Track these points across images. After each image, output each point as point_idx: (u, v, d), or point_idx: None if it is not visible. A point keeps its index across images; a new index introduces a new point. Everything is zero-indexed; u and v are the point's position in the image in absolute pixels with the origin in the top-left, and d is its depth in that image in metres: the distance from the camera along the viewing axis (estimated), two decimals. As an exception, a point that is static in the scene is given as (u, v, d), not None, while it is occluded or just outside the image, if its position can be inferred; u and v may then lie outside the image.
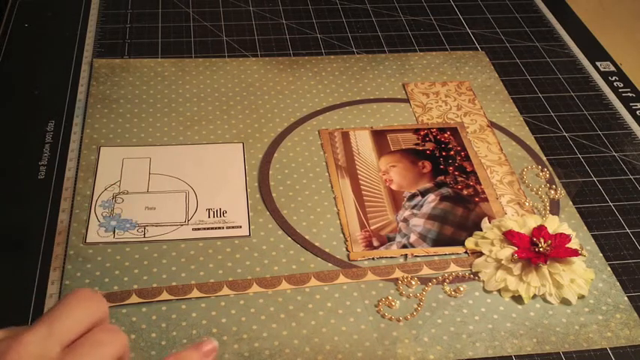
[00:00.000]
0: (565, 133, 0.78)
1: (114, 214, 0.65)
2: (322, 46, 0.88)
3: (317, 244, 0.64)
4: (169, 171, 0.69)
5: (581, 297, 0.61)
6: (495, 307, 0.60)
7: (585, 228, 0.67)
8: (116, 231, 0.63)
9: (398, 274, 0.62)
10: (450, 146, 0.75)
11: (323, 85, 0.82)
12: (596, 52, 0.91)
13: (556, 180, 0.72)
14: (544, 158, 0.74)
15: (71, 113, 0.76)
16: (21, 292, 0.58)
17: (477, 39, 0.92)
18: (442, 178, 0.71)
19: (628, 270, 0.64)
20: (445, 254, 0.64)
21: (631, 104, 0.83)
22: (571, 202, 0.69)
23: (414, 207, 0.68)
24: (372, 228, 0.65)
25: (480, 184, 0.70)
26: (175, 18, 0.92)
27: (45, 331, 0.35)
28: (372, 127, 0.76)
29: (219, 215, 0.65)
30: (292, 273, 0.61)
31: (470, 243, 0.64)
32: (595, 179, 0.72)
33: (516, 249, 0.62)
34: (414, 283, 0.61)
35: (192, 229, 0.64)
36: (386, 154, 0.73)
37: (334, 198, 0.68)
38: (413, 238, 0.65)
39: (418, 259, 0.63)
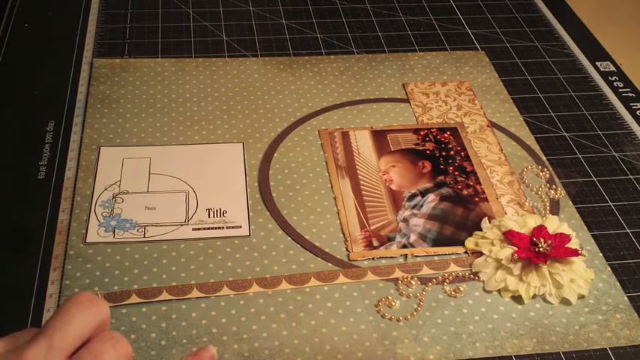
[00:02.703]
0: (565, 133, 0.78)
1: (114, 214, 0.65)
2: (322, 46, 0.88)
3: (317, 244, 0.64)
4: (169, 171, 0.70)
5: (581, 297, 0.61)
6: (495, 307, 0.60)
7: (585, 228, 0.67)
8: (116, 231, 0.63)
9: (398, 274, 0.62)
10: (450, 146, 0.75)
11: (323, 85, 0.82)
12: (596, 52, 0.91)
13: (556, 180, 0.72)
14: (544, 158, 0.74)
15: (71, 113, 0.76)
16: (21, 292, 0.58)
17: (477, 39, 0.92)
18: (442, 178, 0.71)
19: (628, 270, 0.64)
20: (445, 254, 0.64)
21: (631, 104, 0.83)
22: (571, 202, 0.69)
23: (414, 207, 0.68)
24: (372, 228, 0.65)
25: (480, 184, 0.70)
26: (175, 18, 0.92)
27: (46, 345, 0.35)
28: (372, 127, 0.76)
29: (219, 215, 0.65)
30: (292, 273, 0.61)
31: (470, 243, 0.64)
32: (595, 179, 0.72)
33: (516, 249, 0.62)
34: (414, 283, 0.61)
35: (192, 229, 0.64)
36: (386, 154, 0.73)
37: (334, 198, 0.68)
38: (413, 238, 0.65)
39: (418, 259, 0.63)
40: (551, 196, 0.70)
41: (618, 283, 0.62)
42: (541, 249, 0.61)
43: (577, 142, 0.77)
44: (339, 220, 0.66)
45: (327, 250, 0.63)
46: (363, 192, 0.69)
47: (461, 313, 0.59)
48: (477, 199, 0.69)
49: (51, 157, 0.71)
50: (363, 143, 0.74)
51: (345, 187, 0.69)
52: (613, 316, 0.59)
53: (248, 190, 0.68)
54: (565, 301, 0.60)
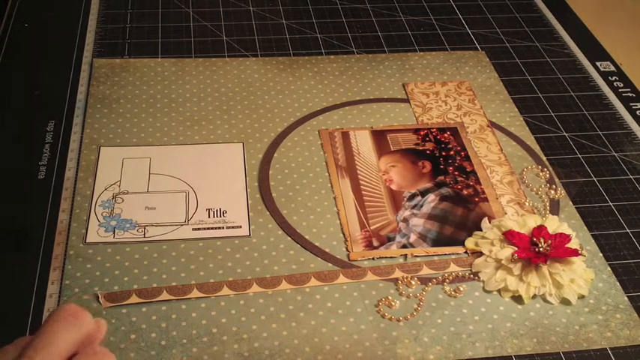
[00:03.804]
0: (565, 133, 0.78)
1: (114, 214, 0.65)
2: (322, 46, 0.88)
3: (317, 244, 0.64)
4: (169, 171, 0.70)
5: (581, 297, 0.61)
6: (495, 307, 0.60)
7: (585, 228, 0.67)
8: (116, 231, 0.63)
9: (398, 274, 0.62)
10: (450, 146, 0.75)
11: (323, 85, 0.82)
12: (596, 52, 0.91)
13: (556, 180, 0.72)
14: (544, 158, 0.74)
15: (71, 113, 0.76)
16: (21, 292, 0.58)
17: (477, 39, 0.92)
18: (442, 178, 0.71)
19: (628, 270, 0.64)
20: (445, 254, 0.64)
21: (631, 104, 0.83)
22: (571, 202, 0.69)
23: (414, 207, 0.68)
24: (372, 228, 0.65)
25: (480, 184, 0.70)
26: (175, 18, 0.92)
27: None
28: (372, 127, 0.76)
29: (219, 215, 0.65)
30: (292, 273, 0.61)
31: (470, 243, 0.64)
32: (595, 179, 0.72)
33: (516, 249, 0.62)
34: (414, 283, 0.61)
35: (192, 229, 0.64)
36: (386, 154, 0.73)
37: (334, 198, 0.68)
38: (413, 238, 0.65)
39: (418, 259, 0.63)
40: (551, 196, 0.70)
41: (618, 283, 0.62)
42: (541, 249, 0.61)
43: (577, 142, 0.77)
44: (339, 220, 0.66)
45: (327, 250, 0.63)
46: (363, 192, 0.69)
47: (461, 313, 0.59)
48: (477, 199, 0.69)
49: (51, 157, 0.71)
50: (363, 143, 0.74)
51: (345, 187, 0.69)
52: (613, 316, 0.59)
53: (248, 190, 0.68)
54: (565, 301, 0.60)
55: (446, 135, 0.76)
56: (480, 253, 0.63)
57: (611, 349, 0.57)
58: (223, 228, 0.64)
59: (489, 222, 0.66)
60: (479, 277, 0.62)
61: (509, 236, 0.63)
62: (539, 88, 0.84)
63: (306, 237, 0.64)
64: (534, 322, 0.59)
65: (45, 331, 0.36)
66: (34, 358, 0.35)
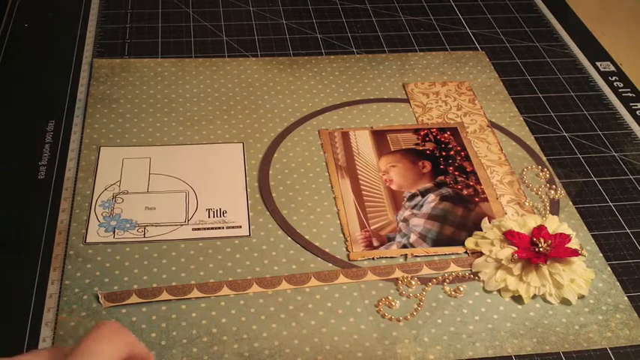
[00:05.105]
0: (565, 133, 0.78)
1: (114, 214, 0.65)
2: (322, 46, 0.88)
3: (317, 244, 0.64)
4: (169, 171, 0.70)
5: (581, 297, 0.61)
6: (495, 307, 0.60)
7: (585, 228, 0.67)
8: (116, 231, 0.63)
9: (398, 274, 0.62)
10: (450, 146, 0.75)
11: (323, 85, 0.82)
12: (596, 52, 0.91)
13: (556, 180, 0.72)
14: (544, 158, 0.74)
15: (71, 113, 0.76)
16: (21, 292, 0.58)
17: (477, 39, 0.92)
18: (442, 178, 0.71)
19: (628, 270, 0.64)
20: (445, 254, 0.64)
21: (631, 104, 0.83)
22: (571, 202, 0.69)
23: (414, 207, 0.68)
24: (372, 228, 0.65)
25: (480, 184, 0.70)
26: (175, 18, 0.92)
27: None
28: (372, 127, 0.76)
29: (219, 215, 0.65)
30: (292, 273, 0.61)
31: (470, 243, 0.64)
32: (595, 179, 0.72)
33: (516, 249, 0.62)
34: (414, 283, 0.61)
35: (192, 229, 0.64)
36: (386, 154, 0.73)
37: (334, 198, 0.68)
38: (413, 238, 0.65)
39: (418, 259, 0.63)
40: (551, 196, 0.70)
41: (618, 283, 0.62)
42: (541, 249, 0.61)
43: (577, 142, 0.77)
44: (339, 220, 0.66)
45: (327, 250, 0.63)
46: (363, 192, 0.69)
47: (461, 313, 0.59)
48: (476, 199, 0.69)
49: (51, 157, 0.71)
50: (363, 143, 0.74)
51: (345, 187, 0.69)
52: (613, 316, 0.59)
53: (248, 190, 0.68)
54: (565, 301, 0.60)
55: (446, 135, 0.76)
56: (480, 253, 0.63)
57: (611, 349, 0.57)
58: (223, 228, 0.64)
59: (489, 222, 0.66)
60: (479, 277, 0.62)
61: (509, 236, 0.63)
62: (539, 88, 0.84)
63: (306, 237, 0.64)
64: (534, 322, 0.59)
65: (91, 339, 0.36)
66: None
